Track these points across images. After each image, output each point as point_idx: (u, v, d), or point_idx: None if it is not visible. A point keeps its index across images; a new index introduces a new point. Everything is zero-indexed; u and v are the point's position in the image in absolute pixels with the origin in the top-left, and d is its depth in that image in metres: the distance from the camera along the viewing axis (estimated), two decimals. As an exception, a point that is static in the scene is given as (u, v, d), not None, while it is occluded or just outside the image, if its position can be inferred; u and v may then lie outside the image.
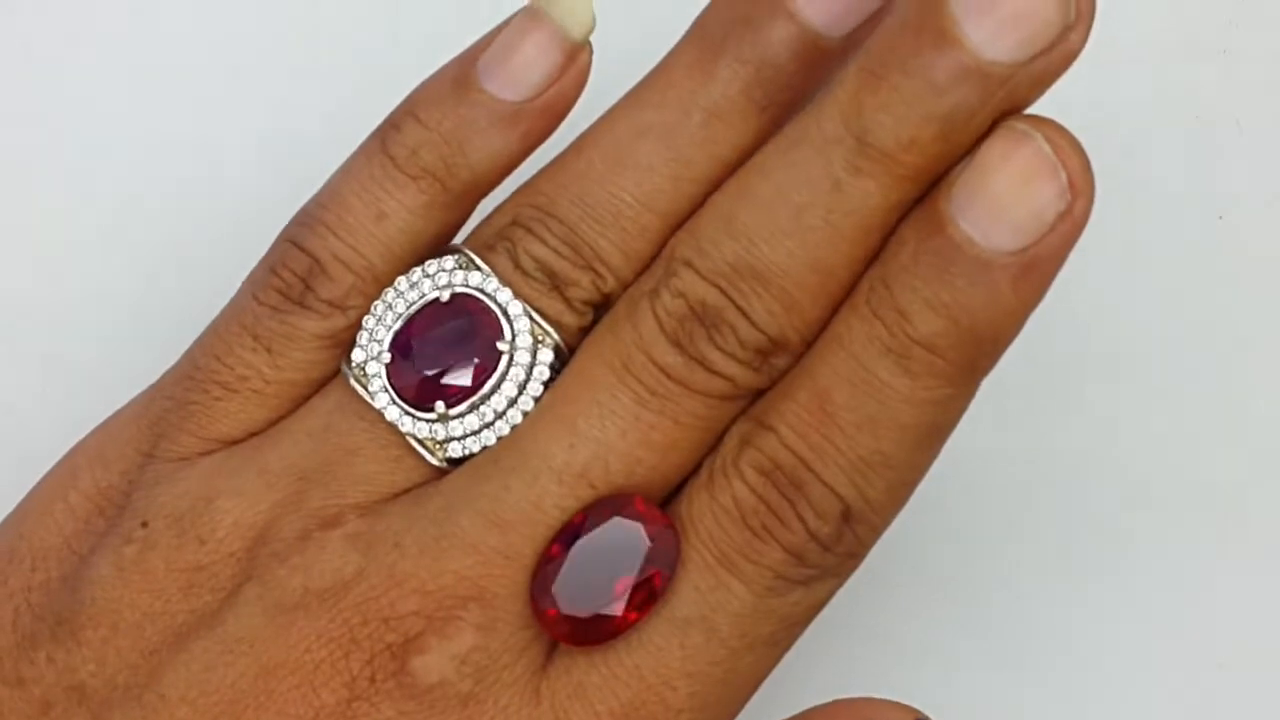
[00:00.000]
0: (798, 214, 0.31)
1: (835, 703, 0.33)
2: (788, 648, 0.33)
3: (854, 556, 0.32)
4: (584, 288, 0.33)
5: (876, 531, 0.32)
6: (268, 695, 0.31)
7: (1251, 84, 0.44)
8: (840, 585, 0.32)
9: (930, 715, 0.32)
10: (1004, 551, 0.42)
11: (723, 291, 0.32)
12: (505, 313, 0.33)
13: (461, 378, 0.33)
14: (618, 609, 0.31)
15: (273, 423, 0.34)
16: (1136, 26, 0.44)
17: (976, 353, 0.31)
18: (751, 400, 0.33)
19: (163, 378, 0.35)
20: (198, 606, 0.32)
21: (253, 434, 0.34)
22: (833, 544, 0.31)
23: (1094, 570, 0.42)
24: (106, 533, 0.33)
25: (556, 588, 0.31)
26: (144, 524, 0.33)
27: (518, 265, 0.33)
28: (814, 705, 0.33)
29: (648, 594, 0.31)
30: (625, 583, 0.31)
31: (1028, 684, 0.41)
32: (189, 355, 0.35)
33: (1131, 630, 0.41)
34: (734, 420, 0.33)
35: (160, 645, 0.32)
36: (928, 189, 0.31)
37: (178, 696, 0.32)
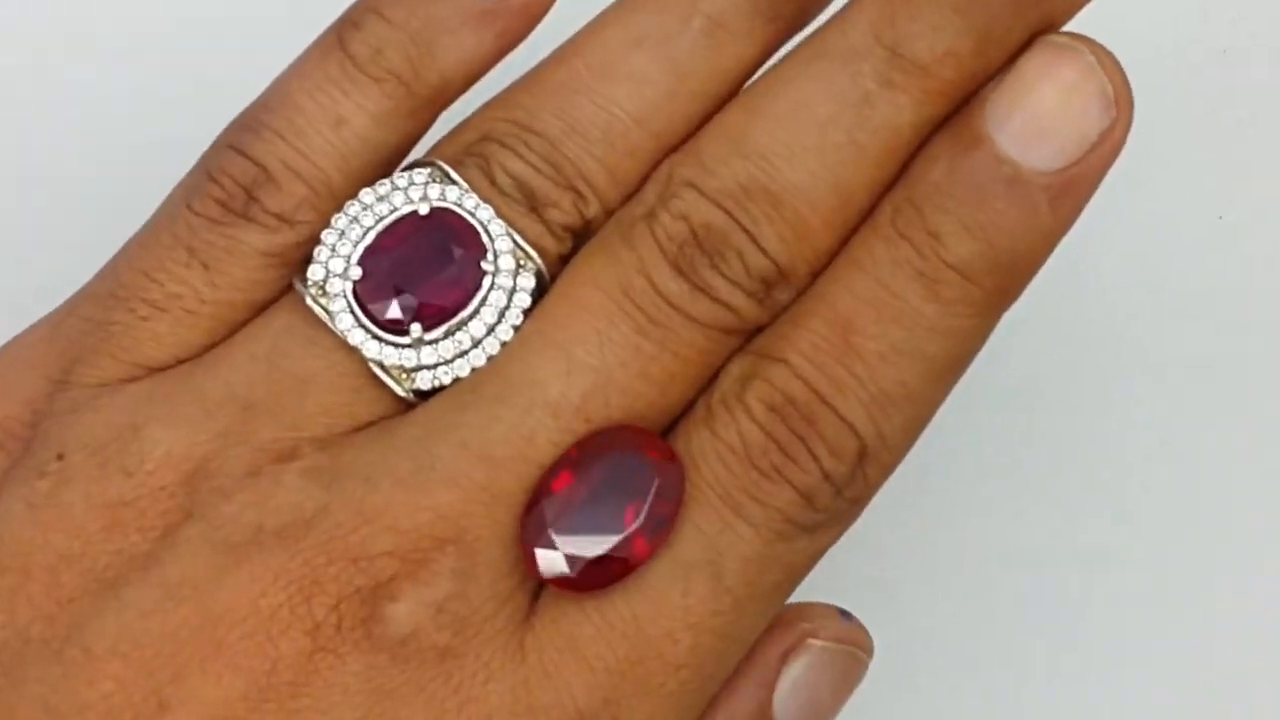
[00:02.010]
0: (821, 130, 0.29)
1: (785, 608, 0.32)
2: (784, 601, 0.30)
3: (860, 502, 0.30)
4: (565, 210, 0.30)
5: (886, 473, 0.30)
6: (215, 646, 0.27)
7: (1252, 84, 0.44)
8: (840, 535, 0.30)
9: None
10: (1000, 545, 0.41)
11: (729, 214, 0.29)
12: (487, 231, 0.30)
13: (442, 298, 0.29)
14: (629, 545, 0.28)
15: (207, 348, 0.30)
16: (1137, 25, 0.43)
17: (1009, 279, 0.29)
18: (750, 337, 0.30)
19: (73, 298, 0.31)
20: (124, 547, 0.28)
21: (183, 360, 0.30)
22: (845, 485, 0.29)
23: (1092, 569, 0.41)
24: (12, 467, 0.29)
25: (555, 524, 0.28)
26: (59, 456, 0.29)
27: (493, 182, 0.30)
28: None
29: (656, 529, 0.28)
30: (635, 512, 0.28)
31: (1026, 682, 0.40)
32: (109, 271, 0.31)
33: (1131, 629, 0.41)
34: (731, 356, 0.30)
35: (80, 592, 0.28)
36: (954, 109, 0.30)
37: (105, 649, 0.27)
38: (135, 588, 0.28)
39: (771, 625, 0.31)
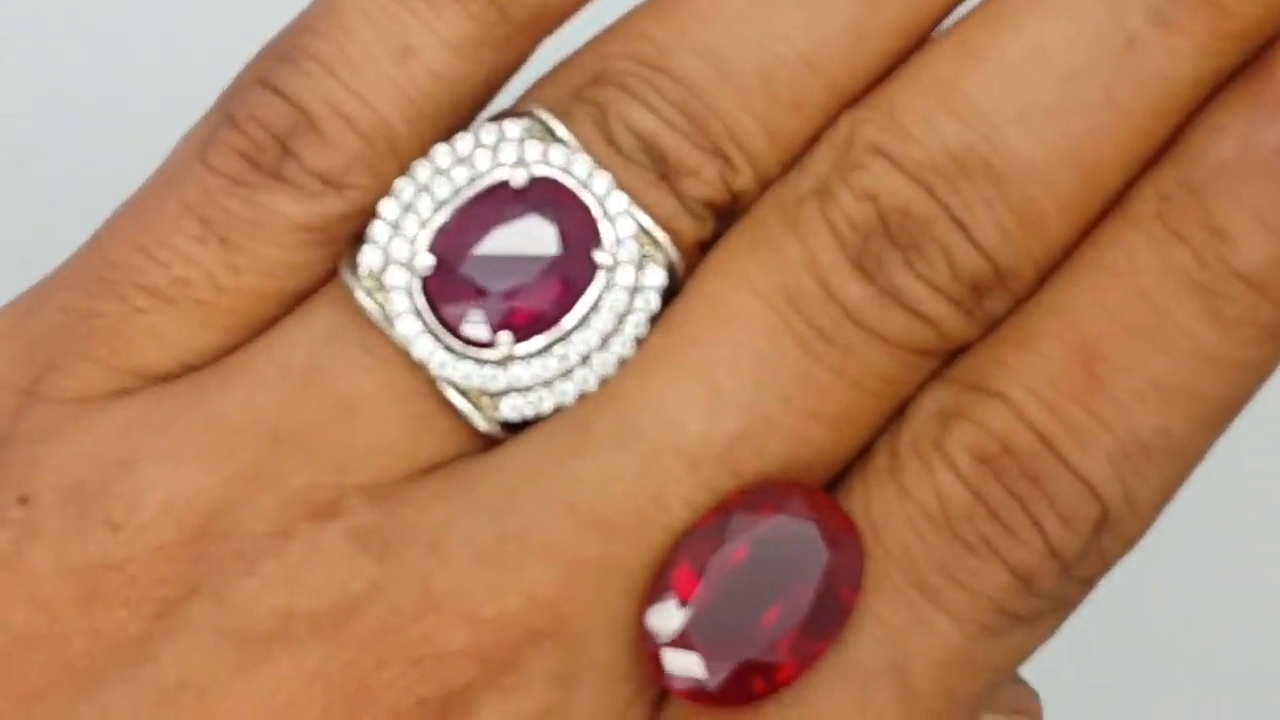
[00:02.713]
0: (1066, 84, 0.22)
1: None
2: (980, 713, 0.23)
3: (1090, 584, 0.23)
4: (707, 180, 0.23)
5: (1127, 547, 0.23)
6: None
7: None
8: (1060, 627, 0.23)
9: None
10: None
11: (933, 194, 0.22)
12: (604, 209, 0.22)
13: (540, 299, 0.22)
14: (780, 648, 0.21)
15: (224, 352, 0.23)
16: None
17: None
18: (949, 360, 0.23)
19: (49, 279, 0.23)
20: (106, 628, 0.21)
21: (192, 368, 0.23)
22: (1076, 563, 0.22)
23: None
24: None
25: (692, 618, 0.21)
26: (22, 499, 0.22)
27: (611, 141, 0.23)
28: None
29: (823, 627, 0.21)
30: (795, 610, 0.21)
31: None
32: (95, 246, 0.23)
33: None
34: (924, 385, 0.23)
35: (46, 687, 0.21)
36: (1248, 61, 0.22)
37: None
38: (119, 688, 0.21)
39: None
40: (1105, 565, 0.22)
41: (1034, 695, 0.26)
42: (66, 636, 0.21)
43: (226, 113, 0.23)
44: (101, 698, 0.21)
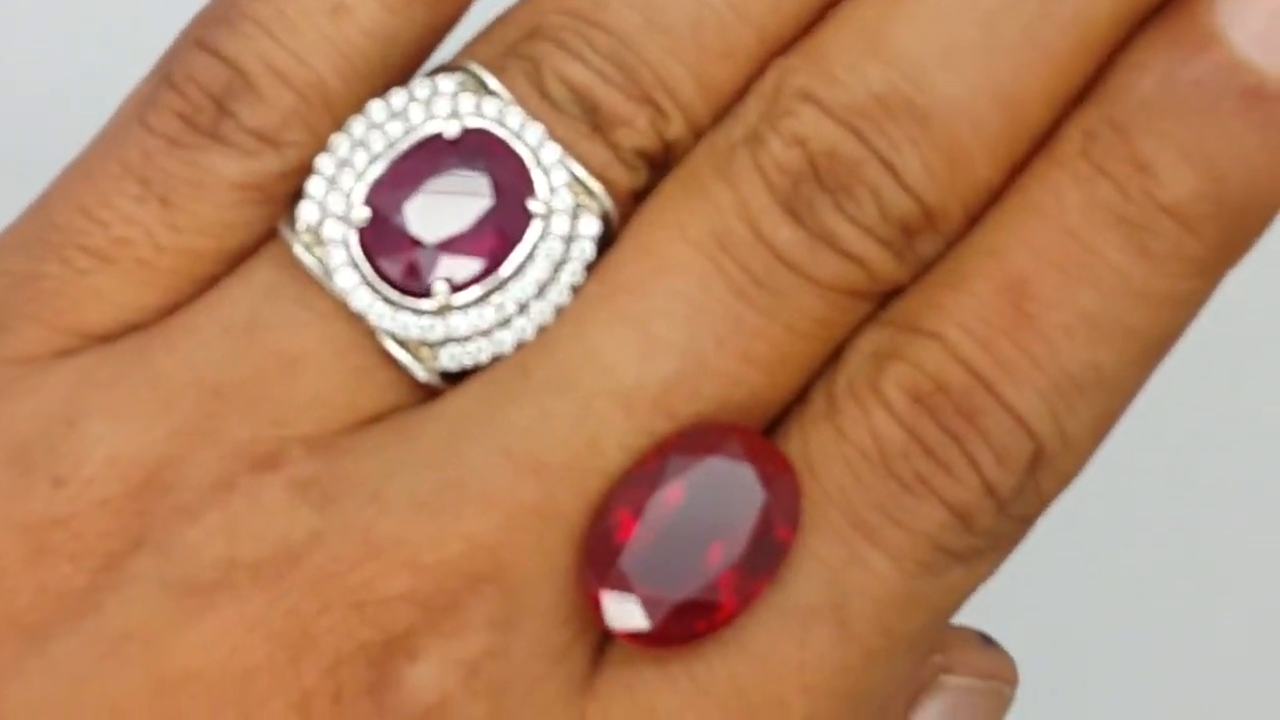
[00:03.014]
0: (986, 23, 0.22)
1: None
2: (926, 653, 0.23)
3: (1028, 521, 0.23)
4: (639, 130, 0.23)
5: (1064, 483, 0.23)
6: None
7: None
8: (999, 565, 0.23)
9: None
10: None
11: (860, 137, 0.22)
12: (537, 159, 0.22)
13: (476, 248, 0.22)
14: (720, 588, 0.21)
15: (165, 311, 0.23)
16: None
17: (1241, 229, 0.22)
18: (881, 303, 0.23)
19: None
20: (52, 583, 0.21)
21: (134, 328, 0.23)
22: (1012, 500, 0.22)
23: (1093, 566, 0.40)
24: None
25: (628, 559, 0.21)
26: None
27: (544, 94, 0.23)
28: None
29: (762, 566, 0.21)
30: (732, 549, 0.21)
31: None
32: (38, 208, 0.23)
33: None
34: (858, 325, 0.23)
35: None
36: None
37: None
38: (65, 641, 0.21)
39: None
40: (1043, 503, 0.22)
41: (1009, 660, 0.26)
42: (13, 592, 0.21)
43: (165, 74, 0.23)
44: (49, 650, 0.21)
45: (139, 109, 0.23)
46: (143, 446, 0.22)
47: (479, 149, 0.22)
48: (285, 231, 0.23)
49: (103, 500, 0.22)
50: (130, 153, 0.23)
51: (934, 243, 0.22)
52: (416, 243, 0.22)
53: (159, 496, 0.22)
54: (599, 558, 0.21)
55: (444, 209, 0.22)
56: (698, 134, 0.23)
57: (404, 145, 0.22)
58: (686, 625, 0.21)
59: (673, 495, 0.21)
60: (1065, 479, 0.22)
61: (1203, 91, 0.21)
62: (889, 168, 0.22)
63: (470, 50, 0.24)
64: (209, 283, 0.23)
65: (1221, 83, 0.21)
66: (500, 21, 0.24)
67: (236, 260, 0.23)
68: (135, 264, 0.23)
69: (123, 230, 0.23)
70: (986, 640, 0.26)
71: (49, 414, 0.22)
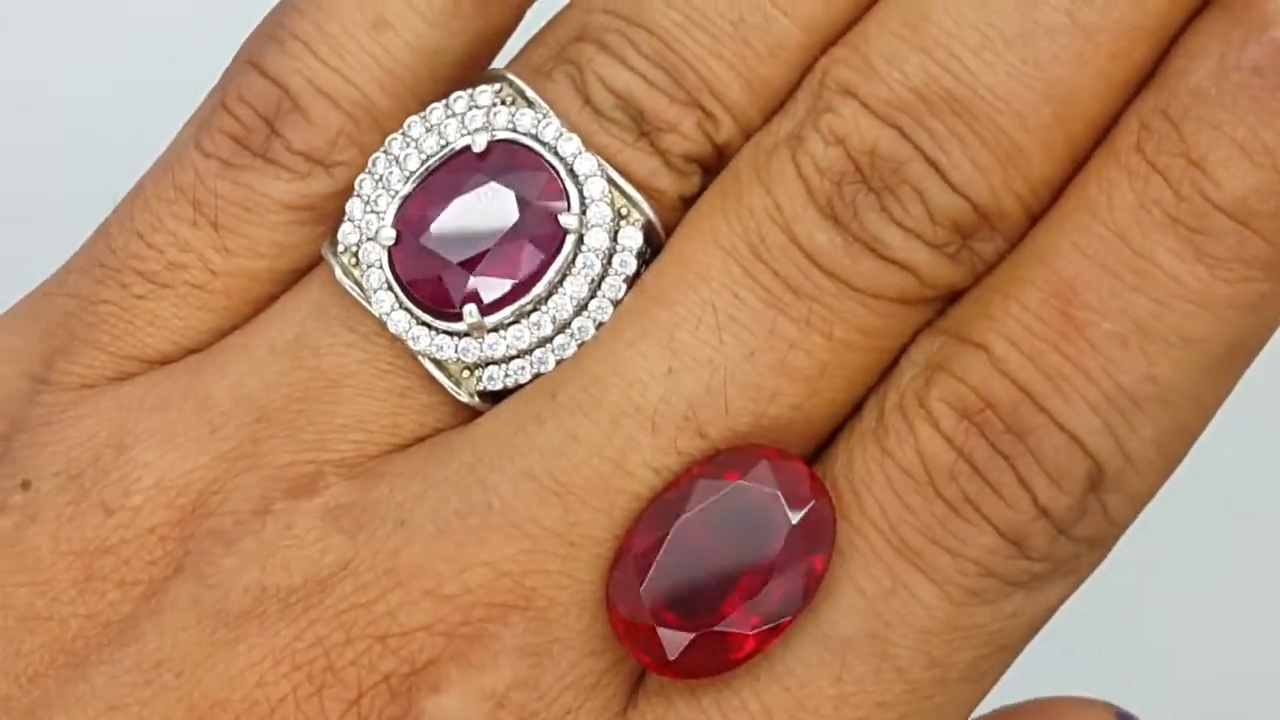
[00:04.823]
0: (1030, 9, 0.20)
1: (1028, 704, 0.24)
2: (995, 681, 0.22)
3: (1101, 542, 0.21)
4: (687, 135, 0.22)
5: (1137, 504, 0.21)
6: None
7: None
8: (1079, 585, 0.21)
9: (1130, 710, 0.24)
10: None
11: (905, 134, 0.21)
12: (571, 171, 0.22)
13: (504, 268, 0.21)
14: (747, 619, 0.20)
15: (222, 334, 0.23)
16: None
17: None
18: (942, 308, 0.21)
19: (68, 261, 0.24)
20: (100, 610, 0.22)
21: (191, 352, 0.23)
22: (1071, 523, 0.21)
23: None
24: None
25: (650, 588, 0.20)
26: (24, 484, 0.22)
27: (588, 101, 0.22)
28: (1004, 705, 0.24)
29: (791, 596, 0.20)
30: (757, 579, 0.20)
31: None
32: (102, 231, 0.24)
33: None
34: (915, 337, 0.21)
35: (45, 667, 0.22)
36: None
37: None
38: (109, 669, 0.21)
39: None
40: (1113, 524, 0.21)
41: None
42: (64, 619, 0.22)
43: (220, 95, 0.23)
44: (93, 678, 0.21)
45: (195, 132, 0.23)
46: (189, 472, 0.22)
47: (508, 163, 0.22)
48: (328, 253, 0.22)
49: (149, 528, 0.22)
50: (184, 176, 0.23)
51: (994, 243, 0.21)
52: (444, 263, 0.22)
53: (201, 522, 0.22)
54: (622, 586, 0.20)
55: (468, 227, 0.22)
56: (749, 136, 0.22)
57: (438, 160, 0.22)
58: (713, 656, 0.20)
59: (697, 522, 0.20)
60: (1136, 499, 0.21)
61: (1261, 78, 0.20)
62: (934, 166, 0.21)
63: (523, 54, 0.23)
64: (265, 303, 0.23)
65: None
66: (552, 23, 0.23)
67: (292, 281, 0.23)
68: (190, 288, 0.23)
69: (177, 255, 0.23)
70: (1124, 717, 0.24)
71: (101, 440, 0.22)
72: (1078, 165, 0.21)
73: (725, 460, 0.21)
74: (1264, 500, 0.39)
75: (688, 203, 0.22)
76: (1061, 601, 0.21)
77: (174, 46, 0.37)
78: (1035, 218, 0.21)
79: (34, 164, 0.38)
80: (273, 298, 0.23)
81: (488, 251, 0.22)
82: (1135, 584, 0.37)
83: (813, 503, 0.20)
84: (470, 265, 0.21)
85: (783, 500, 0.20)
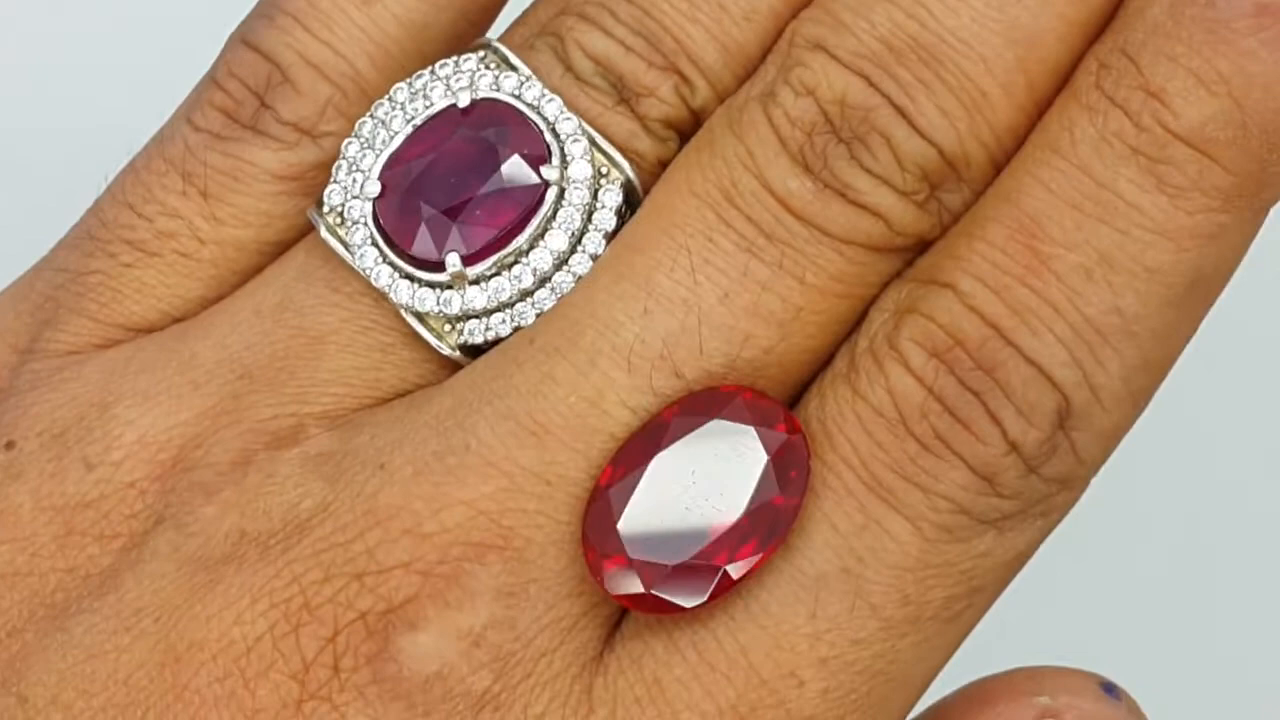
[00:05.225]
0: None
1: (1014, 672, 0.23)
2: (972, 624, 0.22)
3: (1070, 482, 0.21)
4: (664, 98, 0.22)
5: (1107, 440, 0.21)
6: (176, 693, 0.21)
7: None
8: (1050, 530, 0.21)
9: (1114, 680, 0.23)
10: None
11: (872, 83, 0.21)
12: (554, 130, 0.22)
13: (487, 219, 0.22)
14: (721, 554, 0.20)
15: (207, 304, 0.23)
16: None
17: (1269, 154, 0.20)
18: (912, 259, 0.22)
19: (59, 242, 0.25)
20: (79, 563, 0.22)
21: (178, 320, 0.23)
22: (1042, 459, 0.21)
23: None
24: None
25: (627, 524, 0.20)
26: (8, 444, 0.23)
27: (569, 68, 0.23)
28: (988, 675, 0.23)
29: (765, 532, 0.20)
30: (731, 514, 0.20)
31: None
32: (93, 208, 0.24)
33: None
34: (887, 283, 0.22)
35: (25, 620, 0.22)
36: None
37: (46, 699, 0.21)
38: (87, 618, 0.21)
39: (987, 692, 0.23)
40: (1081, 463, 0.21)
41: (1134, 713, 0.24)
42: (44, 573, 0.22)
43: (213, 73, 0.24)
44: (73, 629, 0.21)
45: (187, 109, 0.24)
46: (170, 428, 0.22)
47: (492, 118, 0.22)
48: (313, 214, 0.23)
49: (130, 482, 0.22)
50: (175, 149, 0.23)
51: (961, 194, 0.22)
52: (426, 211, 0.22)
53: (182, 476, 0.22)
54: (597, 523, 0.21)
55: (452, 176, 0.22)
56: (723, 100, 0.23)
57: (423, 118, 0.23)
58: (687, 593, 0.20)
59: (672, 458, 0.21)
60: (1105, 438, 0.21)
61: (1215, 10, 0.20)
62: (902, 113, 0.21)
63: (508, 33, 0.24)
64: (251, 274, 0.23)
65: (1233, 2, 0.20)
66: (535, 4, 0.24)
67: (279, 251, 0.23)
68: (178, 256, 0.23)
69: (165, 223, 0.23)
70: (1108, 688, 0.23)
71: (85, 401, 0.23)
72: (1041, 113, 0.21)
73: (701, 398, 0.21)
74: (1251, 486, 0.39)
75: (665, 166, 0.23)
76: (1033, 547, 0.21)
77: (174, 45, 0.37)
78: (1000, 167, 0.21)
79: (34, 163, 0.39)
80: (259, 269, 0.23)
81: (470, 199, 0.22)
82: (1120, 559, 0.38)
83: (786, 438, 0.21)
84: (453, 214, 0.22)
85: (758, 437, 0.21)
